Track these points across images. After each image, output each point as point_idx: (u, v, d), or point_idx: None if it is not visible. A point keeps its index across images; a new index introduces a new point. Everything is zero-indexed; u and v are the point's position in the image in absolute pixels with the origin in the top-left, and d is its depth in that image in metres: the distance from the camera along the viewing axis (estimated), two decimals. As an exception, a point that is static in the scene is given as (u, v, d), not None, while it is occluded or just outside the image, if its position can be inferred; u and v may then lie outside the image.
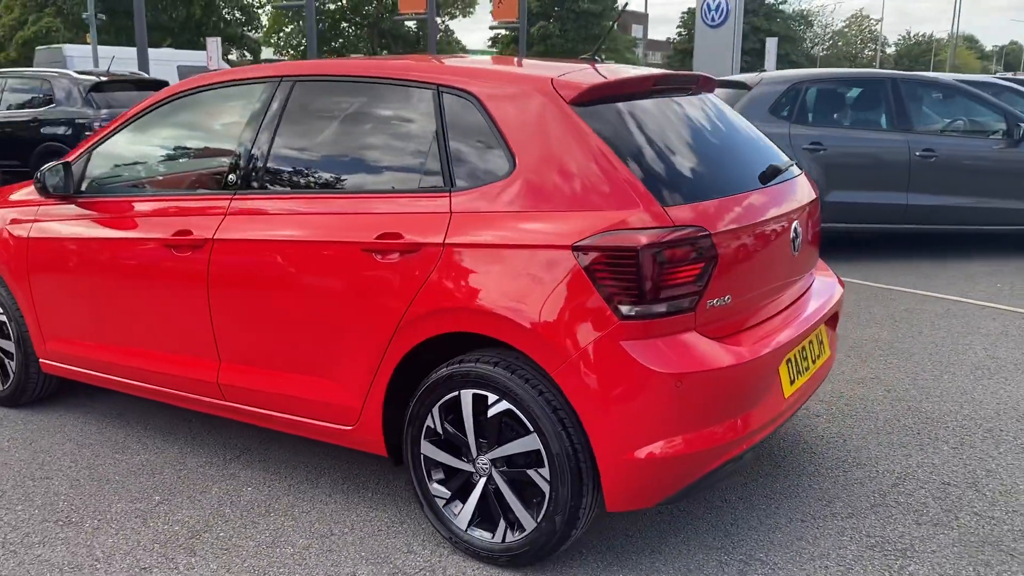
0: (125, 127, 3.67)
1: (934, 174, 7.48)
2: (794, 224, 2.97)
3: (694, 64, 20.73)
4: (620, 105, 2.79)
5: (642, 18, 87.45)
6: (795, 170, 3.31)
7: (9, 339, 4.07)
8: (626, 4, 4.34)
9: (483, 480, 2.75)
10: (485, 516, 2.78)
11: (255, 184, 3.20)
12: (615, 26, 4.56)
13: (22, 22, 33.73)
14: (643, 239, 2.44)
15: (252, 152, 3.22)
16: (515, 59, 3.38)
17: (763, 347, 2.69)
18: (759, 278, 2.80)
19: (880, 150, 7.50)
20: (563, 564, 2.80)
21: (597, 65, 3.19)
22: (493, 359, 2.66)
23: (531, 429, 2.60)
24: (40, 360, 3.97)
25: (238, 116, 3.35)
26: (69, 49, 28.05)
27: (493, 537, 2.76)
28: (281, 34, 47.68)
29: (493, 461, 2.71)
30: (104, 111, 10.33)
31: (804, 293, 3.21)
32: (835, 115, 7.77)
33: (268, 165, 3.19)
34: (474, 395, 2.70)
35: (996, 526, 3.03)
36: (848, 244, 8.25)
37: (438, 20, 52.50)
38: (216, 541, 2.96)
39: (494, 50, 62.08)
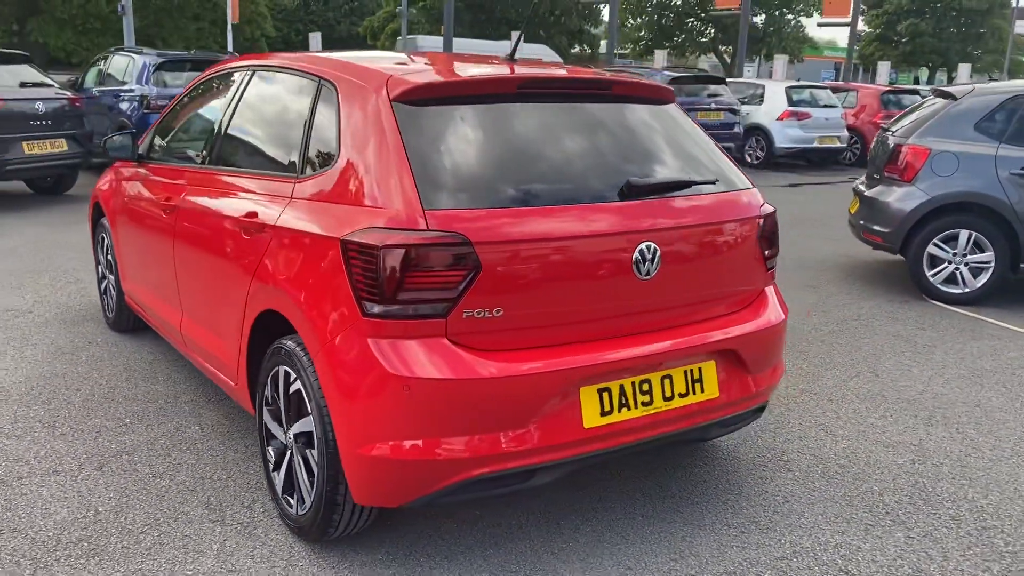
0: (177, 104, 4.30)
1: None
2: (641, 245, 2.69)
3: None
4: (460, 106, 2.74)
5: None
6: (710, 188, 2.98)
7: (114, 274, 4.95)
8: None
9: (290, 452, 2.91)
10: (291, 486, 2.93)
11: (211, 159, 3.62)
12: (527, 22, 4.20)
13: (393, 15, 38.45)
14: (386, 239, 2.43)
15: (215, 131, 3.65)
16: (429, 55, 3.43)
17: (534, 367, 2.52)
18: (562, 296, 2.60)
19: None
20: (352, 547, 2.87)
21: (514, 65, 3.15)
22: (298, 340, 2.80)
23: (309, 411, 2.72)
24: (125, 295, 4.78)
25: (225, 98, 3.78)
26: (421, 40, 31.47)
27: (292, 507, 2.91)
28: (626, 27, 48.68)
29: (295, 436, 2.86)
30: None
31: (686, 324, 2.88)
32: (1063, 136, 6.42)
33: (220, 143, 3.59)
34: (284, 371, 2.86)
35: (841, 629, 2.54)
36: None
37: (789, 17, 50.26)
38: (127, 463, 3.44)
39: (854, 49, 57.82)
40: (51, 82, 10.03)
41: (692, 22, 50.25)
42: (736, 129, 15.29)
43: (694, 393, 2.86)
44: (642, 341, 2.75)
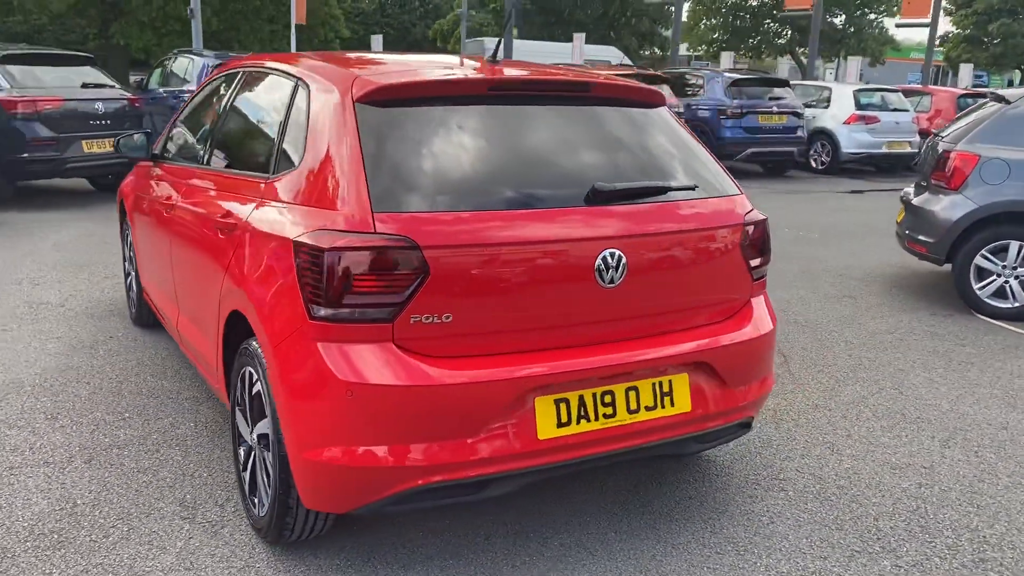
0: (187, 105, 4.37)
1: None
2: (604, 253, 2.59)
3: None
4: (425, 108, 2.69)
5: None
6: (688, 194, 2.87)
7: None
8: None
9: (253, 453, 2.91)
10: (255, 488, 2.93)
11: (204, 159, 3.66)
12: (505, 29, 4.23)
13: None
14: (333, 241, 2.40)
15: (209, 131, 3.69)
16: (406, 57, 3.40)
17: (482, 375, 2.45)
18: (516, 304, 2.52)
19: None
20: (312, 550, 2.85)
21: (496, 66, 3.09)
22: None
23: (267, 413, 2.71)
24: (143, 291, 4.88)
25: (221, 99, 3.82)
26: (489, 42, 31.58)
27: (255, 508, 2.91)
28: (700, 28, 47.94)
29: (257, 437, 2.86)
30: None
31: (656, 334, 2.77)
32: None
33: (211, 143, 3.63)
34: (249, 372, 2.86)
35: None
36: None
37: (871, 16, 48.74)
38: (115, 457, 3.50)
39: (940, 49, 55.72)
40: (112, 83, 10.37)
41: (768, 23, 49.21)
42: (799, 133, 14.90)
43: (663, 407, 2.75)
44: (604, 351, 2.66)
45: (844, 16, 46.58)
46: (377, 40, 19.41)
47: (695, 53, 49.66)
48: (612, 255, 2.62)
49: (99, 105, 9.71)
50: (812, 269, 7.49)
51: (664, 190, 2.82)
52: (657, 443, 2.79)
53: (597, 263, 2.60)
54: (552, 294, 2.58)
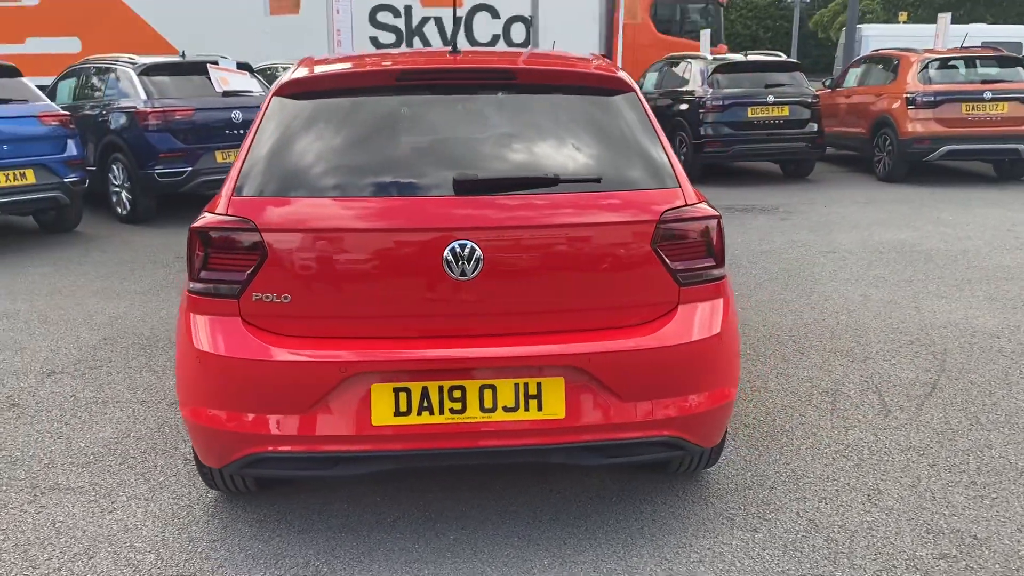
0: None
1: None
2: (454, 244, 2.51)
3: None
4: (325, 100, 2.85)
5: None
6: (591, 186, 2.65)
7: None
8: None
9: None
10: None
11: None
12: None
13: (844, 6, 36.14)
14: (197, 222, 2.67)
15: None
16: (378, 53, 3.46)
17: (309, 355, 2.55)
18: (356, 290, 2.56)
19: None
20: (247, 504, 3.16)
21: (456, 57, 3.13)
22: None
23: (190, 374, 3.06)
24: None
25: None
26: (866, 29, 29.05)
27: (209, 466, 3.29)
28: None
29: (213, 397, 3.23)
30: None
31: (528, 333, 2.61)
32: None
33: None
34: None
35: None
36: None
37: None
38: (97, 417, 4.07)
39: None
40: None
41: None
42: None
43: (527, 410, 2.59)
44: (452, 345, 2.59)
45: None
46: (705, 36, 18.83)
47: None
48: (463, 247, 2.53)
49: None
50: (1100, 291, 6.01)
51: (551, 181, 2.63)
52: (523, 448, 2.63)
53: (445, 255, 2.54)
54: (396, 283, 2.58)
